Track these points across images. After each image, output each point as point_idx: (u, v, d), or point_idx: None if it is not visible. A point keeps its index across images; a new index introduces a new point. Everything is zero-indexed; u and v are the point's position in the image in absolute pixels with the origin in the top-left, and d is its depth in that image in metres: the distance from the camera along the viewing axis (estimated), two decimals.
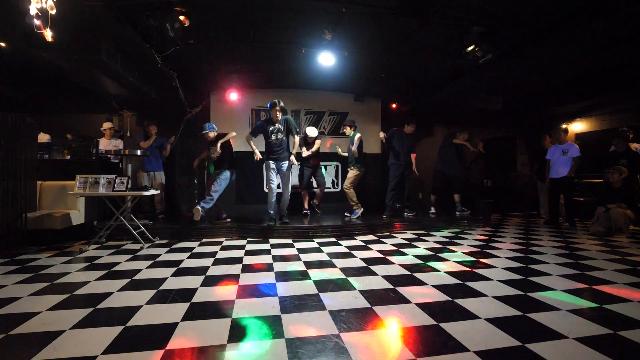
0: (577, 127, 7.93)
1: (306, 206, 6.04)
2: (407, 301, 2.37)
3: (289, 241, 4.50)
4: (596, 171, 6.33)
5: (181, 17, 3.78)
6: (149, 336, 1.87)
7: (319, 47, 4.76)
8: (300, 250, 3.95)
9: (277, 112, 4.80)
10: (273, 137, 4.85)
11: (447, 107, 7.52)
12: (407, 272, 3.07)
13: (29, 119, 4.01)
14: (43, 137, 5.69)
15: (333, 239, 4.60)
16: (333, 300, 2.38)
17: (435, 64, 5.59)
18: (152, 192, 4.35)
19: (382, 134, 5.83)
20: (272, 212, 4.95)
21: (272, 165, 4.86)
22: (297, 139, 5.08)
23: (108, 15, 3.74)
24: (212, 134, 5.05)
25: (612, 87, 5.95)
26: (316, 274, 3.03)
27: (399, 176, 5.78)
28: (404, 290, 2.58)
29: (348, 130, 5.76)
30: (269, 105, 4.86)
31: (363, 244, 4.31)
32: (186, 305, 2.30)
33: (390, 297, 2.46)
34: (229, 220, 5.18)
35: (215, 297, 2.46)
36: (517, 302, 2.35)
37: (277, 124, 4.85)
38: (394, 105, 7.72)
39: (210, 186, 4.96)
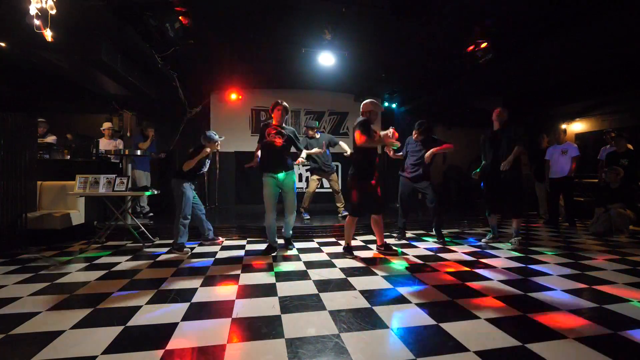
0: (577, 127, 7.93)
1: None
2: (407, 301, 2.37)
3: None
4: (595, 171, 6.33)
5: (181, 17, 3.78)
6: (149, 336, 1.87)
7: (319, 47, 4.76)
8: (300, 250, 3.95)
9: (279, 112, 3.70)
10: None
11: (447, 107, 7.52)
12: (407, 272, 3.07)
13: (29, 119, 4.01)
14: (49, 138, 5.69)
15: (333, 239, 4.59)
16: (333, 300, 2.39)
17: (435, 64, 5.58)
18: (153, 192, 4.34)
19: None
20: (274, 240, 3.86)
21: (272, 180, 3.69)
22: (303, 154, 4.26)
23: (108, 15, 3.74)
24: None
25: (612, 87, 5.95)
26: (316, 273, 3.03)
27: (405, 192, 4.42)
28: (404, 290, 2.58)
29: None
30: (270, 107, 3.80)
31: (363, 244, 4.31)
32: (186, 305, 2.30)
33: (390, 297, 2.46)
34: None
35: (215, 297, 2.46)
36: (517, 302, 2.35)
37: (279, 128, 3.72)
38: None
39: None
